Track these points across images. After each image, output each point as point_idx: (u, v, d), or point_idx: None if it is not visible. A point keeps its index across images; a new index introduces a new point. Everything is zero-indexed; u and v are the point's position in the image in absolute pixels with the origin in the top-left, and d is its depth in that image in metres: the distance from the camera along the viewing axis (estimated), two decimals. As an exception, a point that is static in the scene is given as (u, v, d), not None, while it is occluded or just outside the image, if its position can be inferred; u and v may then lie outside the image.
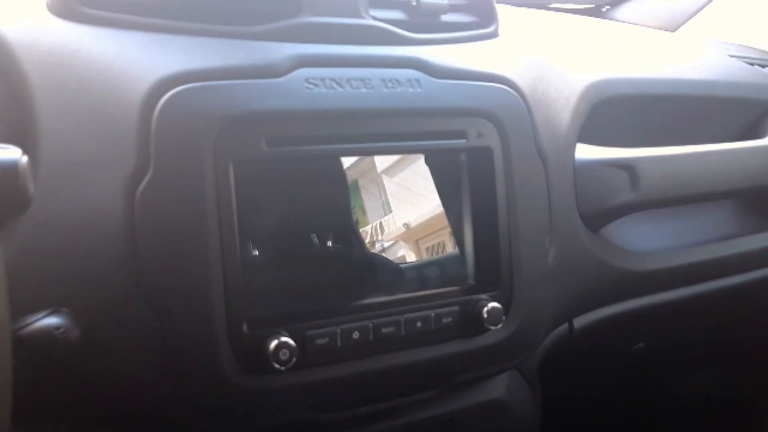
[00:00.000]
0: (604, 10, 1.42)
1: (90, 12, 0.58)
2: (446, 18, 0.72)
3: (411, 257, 0.66)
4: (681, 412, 1.30)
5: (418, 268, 0.67)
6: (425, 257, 0.67)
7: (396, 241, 0.65)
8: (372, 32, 0.65)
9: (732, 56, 1.08)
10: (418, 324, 0.62)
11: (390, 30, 0.66)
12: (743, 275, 0.97)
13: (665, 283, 0.89)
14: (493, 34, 0.75)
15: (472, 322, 0.65)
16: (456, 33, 0.71)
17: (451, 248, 0.67)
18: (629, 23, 1.32)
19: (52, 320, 0.51)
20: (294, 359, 0.55)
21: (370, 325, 0.60)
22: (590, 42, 0.99)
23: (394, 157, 0.65)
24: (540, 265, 0.70)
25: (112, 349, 0.54)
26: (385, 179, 0.65)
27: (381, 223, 0.65)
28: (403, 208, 0.65)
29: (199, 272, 0.54)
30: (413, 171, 0.66)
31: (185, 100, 0.54)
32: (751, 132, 1.00)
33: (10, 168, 0.40)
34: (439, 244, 0.67)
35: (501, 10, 0.77)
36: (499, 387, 0.75)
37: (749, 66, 1.06)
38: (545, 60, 0.79)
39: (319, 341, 0.58)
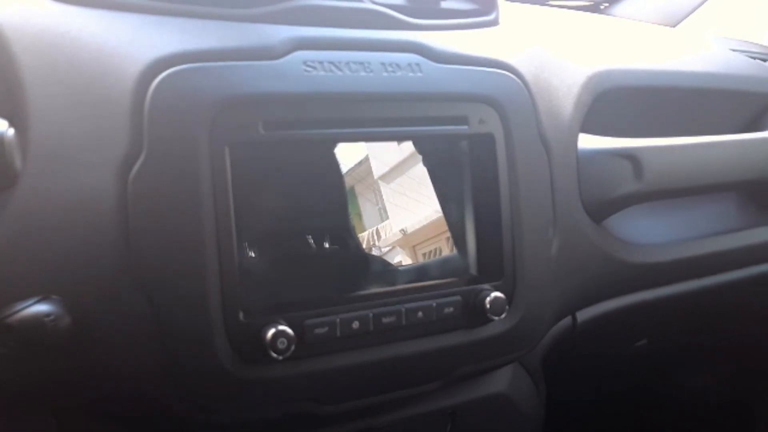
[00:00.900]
0: (602, 7, 1.41)
1: None
2: (446, 4, 0.71)
3: (408, 263, 0.64)
4: (683, 412, 1.29)
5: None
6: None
7: (393, 248, 0.64)
8: (371, 16, 0.64)
9: (734, 50, 1.07)
10: (419, 314, 0.61)
11: (390, 14, 0.65)
12: (747, 269, 0.96)
13: (668, 277, 0.88)
14: (494, 22, 0.74)
15: (474, 313, 0.63)
16: (456, 20, 0.70)
17: (448, 254, 0.66)
18: (629, 19, 1.32)
19: (41, 307, 0.50)
20: (292, 348, 0.54)
21: (370, 314, 0.59)
22: (591, 35, 0.98)
23: (391, 163, 0.64)
24: (543, 256, 0.68)
25: (104, 338, 0.52)
26: (382, 185, 0.64)
27: (377, 230, 0.63)
28: (400, 215, 0.64)
29: (194, 259, 0.52)
30: (410, 177, 0.65)
31: (180, 81, 0.53)
32: (753, 125, 0.99)
33: None
34: (436, 250, 0.66)
35: (500, 2, 0.76)
36: (502, 381, 0.74)
37: (751, 60, 1.05)
38: (546, 51, 0.78)
39: (318, 330, 0.57)
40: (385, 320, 0.59)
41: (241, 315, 0.54)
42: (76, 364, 0.52)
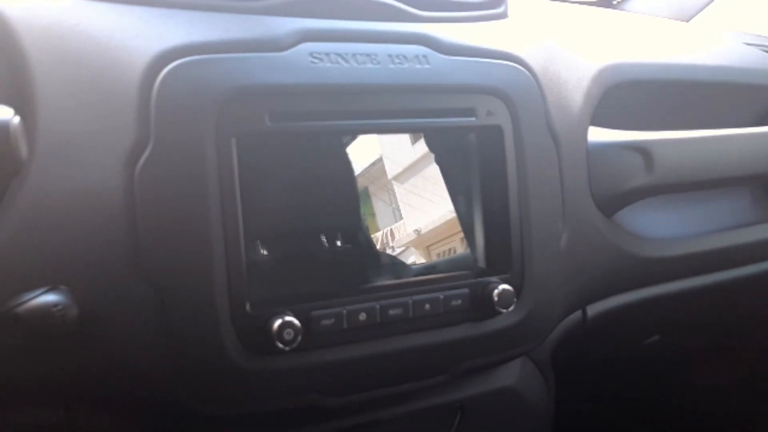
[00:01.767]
0: (615, 2, 1.40)
1: None
2: None
3: (421, 262, 0.65)
4: (695, 414, 1.27)
5: None
6: None
7: (407, 248, 0.64)
8: (378, 8, 0.64)
9: (748, 44, 1.06)
10: (427, 306, 0.61)
11: (397, 6, 0.64)
12: (761, 264, 0.95)
13: (680, 271, 0.87)
14: (503, 15, 0.73)
15: (482, 305, 0.63)
16: (465, 12, 0.70)
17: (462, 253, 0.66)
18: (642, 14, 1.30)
19: (49, 297, 0.50)
20: (299, 340, 0.54)
21: (377, 306, 0.59)
22: (602, 29, 0.97)
23: (405, 163, 0.64)
24: (552, 249, 0.68)
25: (111, 328, 0.53)
26: (396, 186, 0.64)
27: (391, 230, 0.63)
28: (413, 215, 0.64)
29: (201, 250, 0.52)
30: (424, 177, 0.64)
31: (186, 73, 0.53)
32: (766, 119, 0.98)
33: (1, 129, 0.38)
34: (450, 249, 0.65)
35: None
36: (510, 375, 0.73)
37: (765, 53, 1.04)
38: (556, 44, 0.77)
39: (325, 322, 0.56)
40: (392, 312, 0.59)
41: (248, 306, 0.54)
42: (83, 355, 0.53)
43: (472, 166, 0.65)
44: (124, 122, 0.52)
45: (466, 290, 0.62)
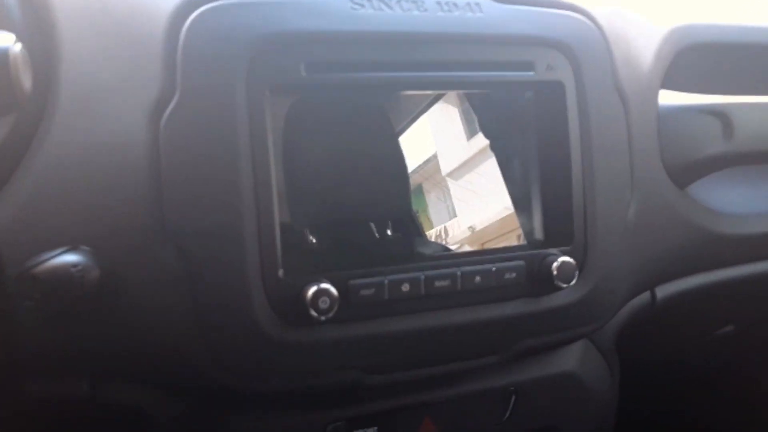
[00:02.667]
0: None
1: None
2: None
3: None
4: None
5: None
6: None
7: (461, 245, 0.59)
8: None
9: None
10: (477, 279, 0.55)
11: None
12: None
13: (758, 252, 0.79)
14: None
15: (539, 280, 0.57)
16: None
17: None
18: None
19: (68, 257, 0.47)
20: (335, 309, 0.49)
21: (422, 277, 0.53)
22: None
23: (460, 160, 0.59)
24: (619, 220, 0.62)
25: (134, 293, 0.49)
26: (450, 182, 0.59)
27: (445, 227, 0.59)
28: (468, 212, 0.59)
29: (230, 211, 0.48)
30: (479, 173, 0.60)
31: (216, 19, 0.49)
32: None
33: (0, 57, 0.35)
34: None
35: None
36: (571, 359, 0.67)
37: None
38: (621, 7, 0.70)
39: (365, 292, 0.52)
40: (438, 284, 0.54)
41: (280, 272, 0.50)
42: (104, 322, 0.49)
43: (528, 128, 0.60)
44: (150, 72, 0.49)
45: (521, 263, 0.57)
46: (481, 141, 0.60)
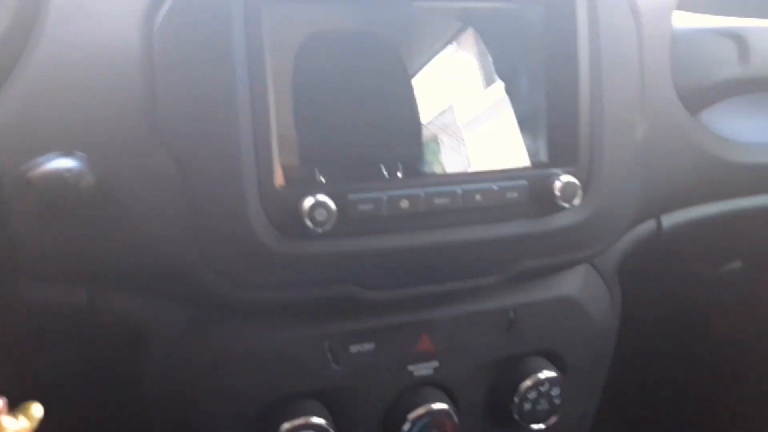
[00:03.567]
0: None
1: None
2: None
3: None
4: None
5: None
6: None
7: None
8: None
9: None
10: (478, 197, 0.54)
11: None
12: None
13: None
14: None
15: (542, 199, 0.56)
16: None
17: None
18: None
19: (62, 162, 0.46)
20: (332, 222, 0.49)
21: (422, 194, 0.53)
22: None
23: (476, 111, 0.57)
24: (626, 141, 0.60)
25: (129, 201, 0.49)
26: (466, 132, 0.57)
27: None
28: (483, 162, 0.57)
29: (225, 116, 0.47)
30: (495, 124, 0.58)
31: None
32: None
33: None
34: None
35: None
36: (572, 283, 0.66)
37: None
38: None
39: (363, 207, 0.51)
40: (438, 201, 0.53)
41: (277, 182, 0.49)
42: (100, 228, 0.49)
43: (535, 41, 0.57)
44: None
45: (523, 182, 0.56)
46: (498, 90, 0.58)
